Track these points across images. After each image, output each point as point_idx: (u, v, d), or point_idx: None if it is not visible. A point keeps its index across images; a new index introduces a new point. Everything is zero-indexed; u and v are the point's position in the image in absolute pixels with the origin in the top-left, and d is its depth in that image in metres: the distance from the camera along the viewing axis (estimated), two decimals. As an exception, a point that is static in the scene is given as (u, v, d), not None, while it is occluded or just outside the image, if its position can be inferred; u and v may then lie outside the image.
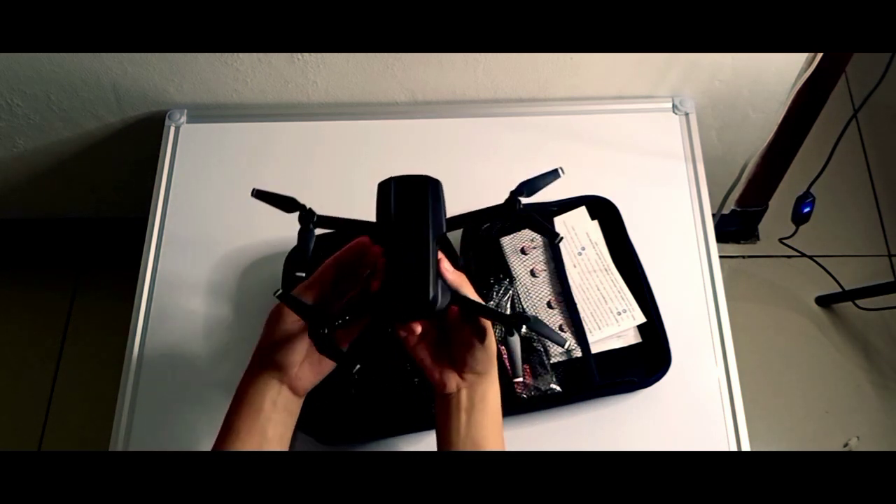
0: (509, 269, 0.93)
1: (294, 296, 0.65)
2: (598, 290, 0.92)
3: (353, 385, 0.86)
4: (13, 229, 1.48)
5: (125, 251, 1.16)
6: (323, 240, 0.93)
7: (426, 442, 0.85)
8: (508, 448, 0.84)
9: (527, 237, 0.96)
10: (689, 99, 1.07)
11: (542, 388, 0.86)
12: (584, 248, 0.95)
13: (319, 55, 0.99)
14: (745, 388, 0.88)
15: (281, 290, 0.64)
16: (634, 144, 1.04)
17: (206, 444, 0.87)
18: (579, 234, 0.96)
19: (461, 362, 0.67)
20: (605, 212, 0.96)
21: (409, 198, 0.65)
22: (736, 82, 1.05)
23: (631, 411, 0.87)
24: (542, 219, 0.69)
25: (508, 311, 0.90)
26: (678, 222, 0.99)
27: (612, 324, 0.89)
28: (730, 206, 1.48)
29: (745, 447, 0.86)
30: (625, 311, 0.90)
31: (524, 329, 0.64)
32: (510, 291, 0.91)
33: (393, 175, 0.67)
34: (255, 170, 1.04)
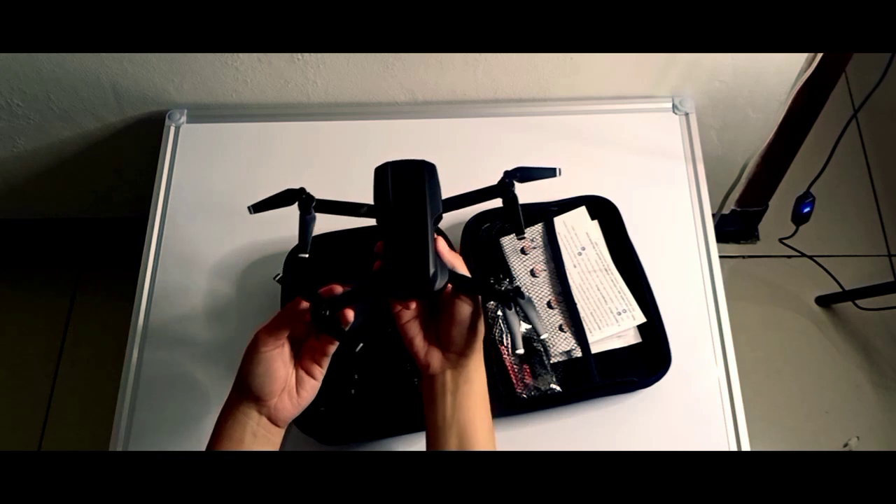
0: (509, 269, 0.93)
1: (290, 277, 0.66)
2: (598, 290, 0.92)
3: (353, 385, 0.86)
4: (13, 229, 1.48)
5: (125, 251, 1.16)
6: (322, 241, 0.93)
7: (426, 442, 0.85)
8: (508, 448, 0.84)
9: (527, 237, 0.96)
10: (689, 99, 1.07)
11: (542, 388, 0.86)
12: (584, 248, 0.95)
13: (319, 55, 1.00)
14: (745, 388, 0.88)
15: (280, 274, 0.65)
16: (634, 144, 1.04)
17: (205, 446, 0.87)
18: (579, 234, 0.96)
19: (448, 343, 0.68)
20: (605, 212, 0.96)
21: (406, 181, 0.67)
22: (736, 82, 1.05)
23: (631, 411, 0.87)
24: (521, 212, 0.70)
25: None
26: (678, 222, 0.99)
27: (612, 324, 0.89)
28: (730, 206, 1.48)
29: (745, 447, 0.86)
30: (625, 311, 0.90)
31: (523, 328, 0.65)
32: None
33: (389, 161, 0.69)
34: (255, 170, 1.04)
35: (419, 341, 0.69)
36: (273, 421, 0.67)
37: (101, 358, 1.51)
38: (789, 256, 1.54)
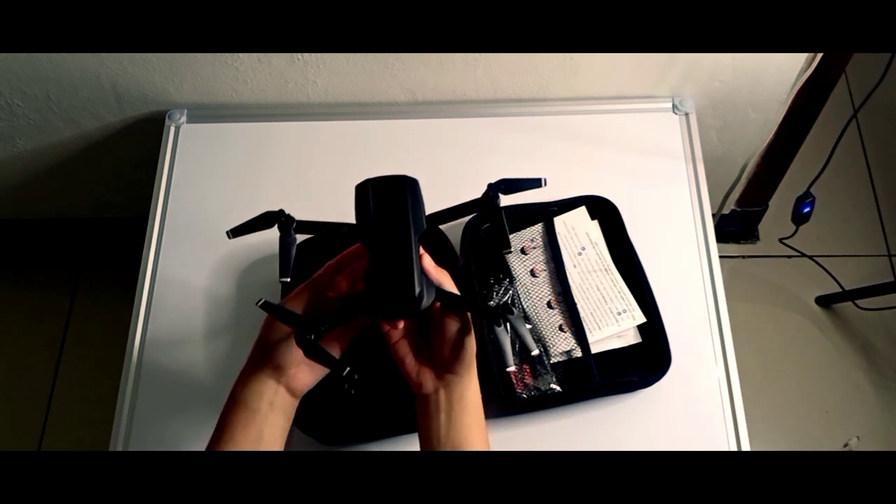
0: (509, 269, 0.93)
1: (275, 304, 0.65)
2: (598, 290, 0.92)
3: (353, 385, 0.86)
4: (13, 229, 1.48)
5: (125, 251, 1.16)
6: (316, 243, 0.93)
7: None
8: (508, 448, 0.84)
9: (527, 237, 0.96)
10: (689, 99, 1.07)
11: (542, 388, 0.86)
12: (584, 248, 0.95)
13: (319, 55, 0.99)
14: (745, 388, 0.88)
15: (263, 300, 0.64)
16: (634, 144, 1.04)
17: (206, 444, 0.87)
18: (579, 234, 0.96)
19: (439, 361, 0.67)
20: (605, 212, 0.96)
21: (388, 198, 0.65)
22: (736, 82, 1.05)
23: (631, 411, 0.87)
24: (506, 225, 0.70)
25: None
26: (678, 222, 0.99)
27: (612, 324, 0.89)
28: (730, 206, 1.48)
29: (745, 447, 0.86)
30: (625, 311, 0.90)
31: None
32: (510, 291, 0.91)
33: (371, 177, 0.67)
34: (255, 170, 1.04)
35: (410, 361, 0.68)
36: (290, 391, 0.66)
37: (101, 358, 1.50)
38: (789, 256, 1.54)
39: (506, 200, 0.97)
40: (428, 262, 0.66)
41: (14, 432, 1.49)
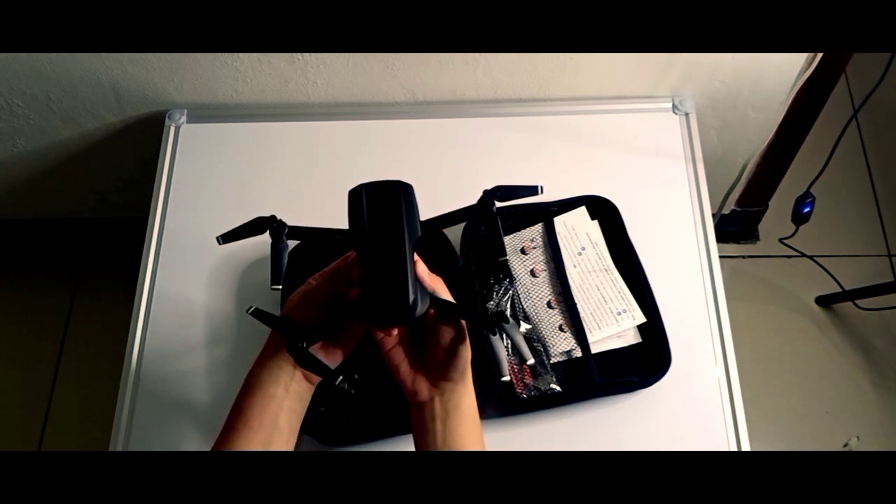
0: (509, 270, 0.93)
1: (266, 312, 0.64)
2: (598, 290, 0.92)
3: (353, 385, 0.86)
4: (13, 229, 1.48)
5: (125, 251, 1.16)
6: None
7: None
8: (508, 448, 0.84)
9: (527, 237, 0.96)
10: (689, 99, 1.07)
11: (542, 388, 0.86)
12: (584, 248, 0.95)
13: (319, 55, 0.99)
14: (745, 388, 0.88)
15: (254, 307, 0.64)
16: (634, 144, 1.04)
17: (206, 444, 0.87)
18: (579, 234, 0.96)
19: (435, 369, 0.67)
20: (605, 212, 0.96)
21: (382, 203, 0.64)
22: (736, 82, 1.05)
23: (631, 411, 0.87)
24: (502, 232, 0.69)
25: (508, 311, 0.90)
26: (678, 222, 0.99)
27: (612, 324, 0.89)
28: (730, 206, 1.48)
29: (745, 447, 0.86)
30: (625, 311, 0.90)
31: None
32: (510, 291, 0.91)
33: (366, 181, 0.66)
34: (255, 170, 1.04)
35: (405, 368, 0.67)
36: (307, 377, 0.67)
37: (101, 358, 1.51)
38: (789, 256, 1.54)
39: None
40: (422, 269, 0.66)
41: (14, 432, 1.49)
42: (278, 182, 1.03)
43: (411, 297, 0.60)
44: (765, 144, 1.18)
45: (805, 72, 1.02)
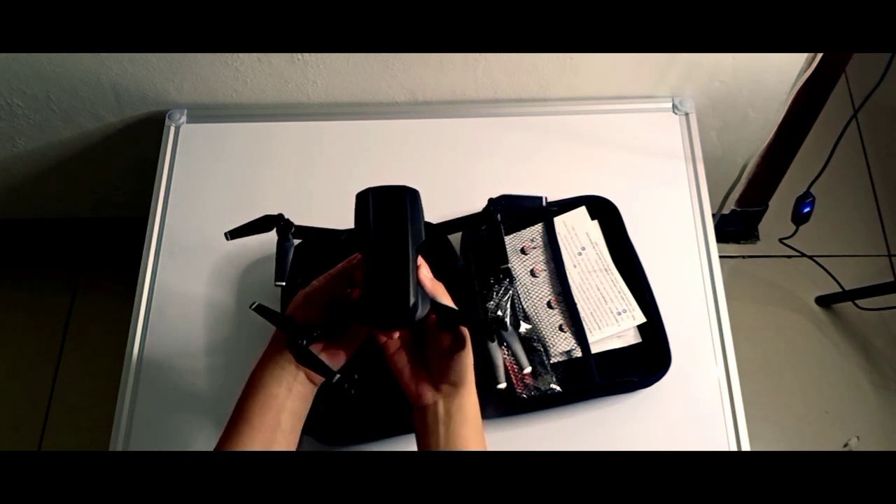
0: (509, 270, 0.93)
1: (269, 308, 0.65)
2: (598, 290, 0.92)
3: (354, 385, 0.86)
4: (13, 229, 1.48)
5: (125, 251, 1.16)
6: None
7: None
8: (508, 448, 0.84)
9: (527, 237, 0.96)
10: (689, 99, 1.07)
11: (542, 388, 0.86)
12: (584, 248, 0.95)
13: (319, 55, 0.99)
14: (745, 388, 0.88)
15: (257, 303, 0.64)
16: (634, 144, 1.04)
17: (206, 444, 0.87)
18: (579, 234, 0.96)
19: (437, 373, 0.67)
20: (605, 212, 0.96)
21: (388, 208, 0.64)
22: (736, 82, 1.05)
23: (631, 411, 0.87)
24: (504, 242, 0.70)
25: (508, 312, 0.90)
26: (678, 222, 0.99)
27: (612, 324, 0.89)
28: (730, 206, 1.48)
29: (745, 447, 0.86)
30: (625, 311, 0.90)
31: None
32: (510, 292, 0.91)
33: (374, 185, 0.67)
34: (255, 170, 1.04)
35: (408, 372, 0.68)
36: (309, 377, 0.67)
37: (101, 358, 1.51)
38: (789, 256, 1.54)
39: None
40: (425, 273, 0.66)
41: (14, 432, 1.49)
42: (278, 182, 1.03)
43: (412, 301, 0.61)
44: (765, 144, 1.18)
45: (805, 72, 1.02)
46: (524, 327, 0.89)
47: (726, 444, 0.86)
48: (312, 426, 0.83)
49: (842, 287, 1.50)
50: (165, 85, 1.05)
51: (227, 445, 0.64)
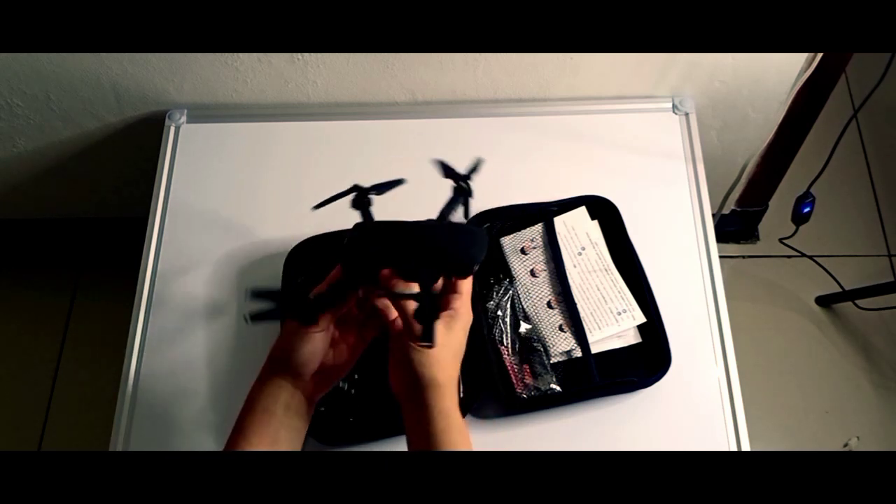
0: (509, 269, 0.93)
1: (264, 311, 0.66)
2: (598, 290, 0.92)
3: (353, 385, 0.86)
4: (13, 229, 1.48)
5: (125, 251, 1.16)
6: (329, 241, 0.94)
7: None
8: (508, 448, 0.84)
9: (527, 237, 0.96)
10: (689, 99, 1.07)
11: (542, 388, 0.86)
12: (584, 248, 0.95)
13: (319, 55, 0.99)
14: (745, 388, 0.88)
15: (249, 314, 0.66)
16: (634, 144, 1.04)
17: (206, 444, 0.87)
18: (579, 234, 0.96)
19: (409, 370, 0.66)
20: (605, 212, 0.96)
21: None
22: (736, 82, 1.05)
23: (631, 411, 0.87)
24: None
25: (509, 312, 0.90)
26: (678, 222, 0.99)
27: (612, 324, 0.89)
28: (730, 206, 1.48)
29: (745, 447, 0.86)
30: (625, 311, 0.90)
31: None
32: (510, 291, 0.91)
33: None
34: (255, 170, 1.04)
35: (392, 360, 0.68)
36: (307, 394, 0.67)
37: (101, 358, 1.50)
38: (789, 256, 1.54)
39: (505, 200, 0.98)
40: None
41: (14, 432, 1.49)
42: (278, 182, 1.03)
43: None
44: (765, 144, 1.18)
45: (805, 72, 1.02)
46: (524, 327, 0.89)
47: (726, 444, 0.86)
48: (312, 426, 0.83)
49: (842, 287, 1.50)
50: (165, 85, 1.05)
51: None
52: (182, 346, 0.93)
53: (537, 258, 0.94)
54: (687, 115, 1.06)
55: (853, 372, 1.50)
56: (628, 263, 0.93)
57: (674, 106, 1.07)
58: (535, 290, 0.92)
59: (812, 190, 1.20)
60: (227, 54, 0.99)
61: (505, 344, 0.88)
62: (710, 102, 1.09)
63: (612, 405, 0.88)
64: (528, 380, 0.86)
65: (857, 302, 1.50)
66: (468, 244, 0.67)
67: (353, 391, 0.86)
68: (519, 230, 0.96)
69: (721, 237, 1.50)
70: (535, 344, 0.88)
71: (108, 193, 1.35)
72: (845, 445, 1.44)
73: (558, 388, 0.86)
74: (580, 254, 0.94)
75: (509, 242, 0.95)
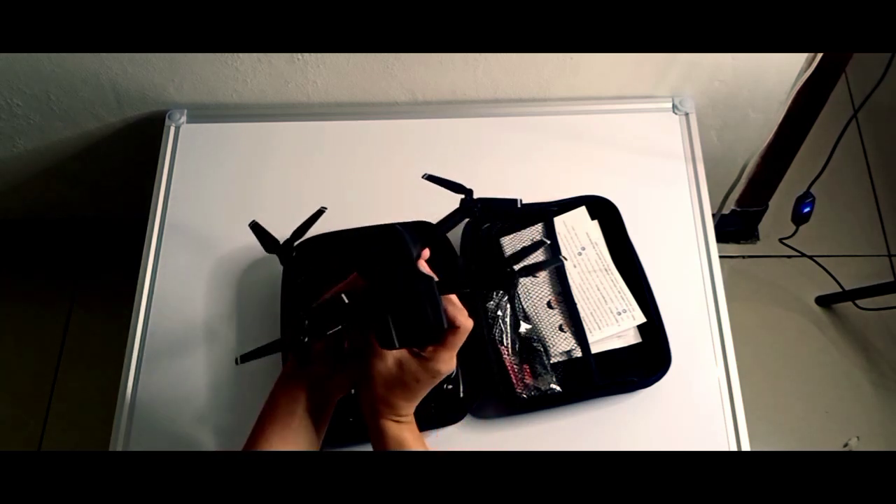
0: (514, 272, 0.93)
1: (254, 351, 0.66)
2: (598, 290, 0.92)
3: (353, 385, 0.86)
4: (13, 229, 1.48)
5: (125, 251, 1.16)
6: (321, 242, 0.93)
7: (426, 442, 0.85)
8: (508, 448, 0.84)
9: (527, 237, 0.96)
10: (689, 99, 1.07)
11: (542, 388, 0.86)
12: (584, 248, 0.95)
13: (319, 55, 1.00)
14: (745, 388, 0.88)
15: (239, 357, 0.66)
16: (634, 144, 1.04)
17: (206, 444, 0.87)
18: (579, 234, 0.96)
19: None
20: (605, 212, 0.96)
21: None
22: (736, 82, 1.05)
23: (631, 411, 0.87)
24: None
25: (509, 312, 0.90)
26: (678, 222, 0.99)
27: (612, 324, 0.89)
28: (730, 206, 1.48)
29: (745, 447, 0.86)
30: (625, 311, 0.90)
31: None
32: (510, 291, 0.91)
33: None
34: (255, 170, 1.04)
35: (380, 387, 0.66)
36: (327, 396, 0.68)
37: (100, 358, 1.50)
38: (789, 256, 1.54)
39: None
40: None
41: (14, 432, 1.49)
42: (278, 182, 1.03)
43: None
44: (765, 144, 1.18)
45: (805, 72, 1.02)
46: (524, 327, 0.89)
47: (726, 444, 0.86)
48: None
49: (842, 287, 1.50)
50: (165, 85, 1.05)
51: None
52: (182, 345, 0.93)
53: (537, 258, 0.94)
54: (687, 115, 1.06)
55: (853, 372, 1.50)
56: (628, 263, 0.93)
57: (674, 106, 1.07)
58: (535, 290, 0.92)
59: (812, 190, 1.20)
60: (227, 54, 0.99)
61: (505, 344, 0.88)
62: (710, 102, 1.09)
63: (612, 405, 0.88)
64: (528, 380, 0.86)
65: (857, 302, 1.50)
66: (424, 313, 0.63)
67: (353, 391, 0.86)
68: (519, 230, 0.96)
69: (721, 237, 1.50)
70: (535, 344, 0.88)
71: (108, 193, 1.35)
72: (845, 445, 1.44)
73: (558, 388, 0.86)
74: (580, 254, 0.94)
75: (509, 242, 0.95)
